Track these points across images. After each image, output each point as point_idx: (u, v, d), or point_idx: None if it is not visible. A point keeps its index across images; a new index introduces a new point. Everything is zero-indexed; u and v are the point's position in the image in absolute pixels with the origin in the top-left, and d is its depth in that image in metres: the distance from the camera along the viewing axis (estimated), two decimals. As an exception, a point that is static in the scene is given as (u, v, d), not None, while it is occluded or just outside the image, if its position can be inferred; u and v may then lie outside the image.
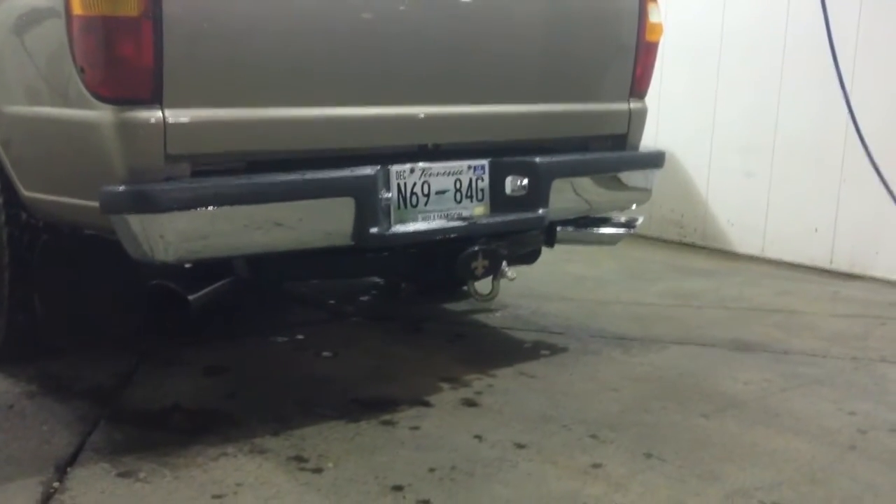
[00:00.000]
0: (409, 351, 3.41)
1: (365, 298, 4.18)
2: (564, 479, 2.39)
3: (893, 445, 2.69)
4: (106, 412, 2.74)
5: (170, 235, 2.27)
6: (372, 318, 3.87)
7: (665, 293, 4.38)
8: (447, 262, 2.96)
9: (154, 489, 2.27)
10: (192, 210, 2.30)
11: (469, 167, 2.88)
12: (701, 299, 4.30)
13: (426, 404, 2.87)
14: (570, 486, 2.36)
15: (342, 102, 2.63)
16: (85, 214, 2.46)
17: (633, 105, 3.33)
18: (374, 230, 2.60)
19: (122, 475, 2.34)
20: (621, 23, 3.23)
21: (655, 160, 3.42)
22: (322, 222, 2.55)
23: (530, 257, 3.44)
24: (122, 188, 2.27)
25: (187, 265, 2.52)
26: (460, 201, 2.86)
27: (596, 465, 2.47)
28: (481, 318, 3.85)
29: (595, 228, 3.43)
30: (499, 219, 2.92)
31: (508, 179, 2.92)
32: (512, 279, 3.13)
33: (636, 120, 3.35)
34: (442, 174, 2.81)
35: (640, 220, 3.53)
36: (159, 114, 2.29)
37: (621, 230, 3.51)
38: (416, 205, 2.75)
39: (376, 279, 4.27)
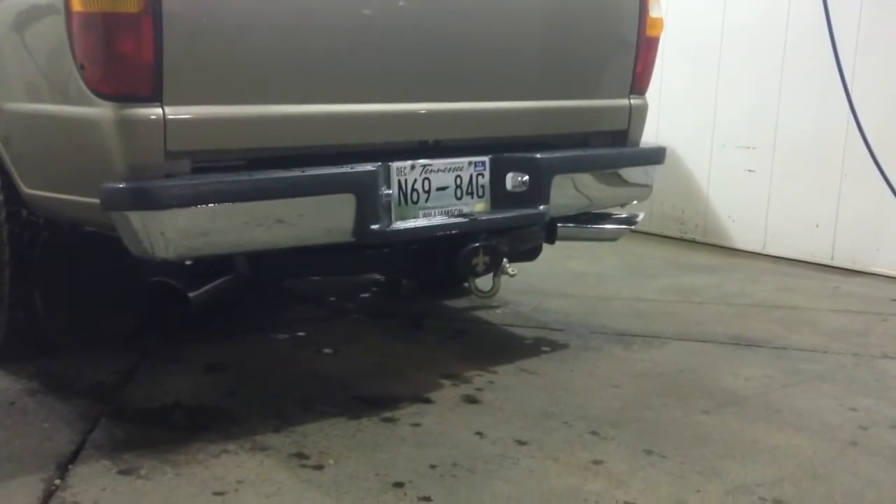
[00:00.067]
0: (409, 348, 3.41)
1: (366, 295, 4.18)
2: (565, 476, 2.39)
3: (894, 441, 2.69)
4: (107, 409, 2.74)
5: (170, 232, 2.27)
6: (373, 315, 3.86)
7: (666, 289, 4.38)
8: (448, 258, 2.96)
9: (155, 486, 2.27)
10: (193, 207, 2.29)
11: (470, 163, 2.87)
12: (702, 295, 4.30)
13: (427, 401, 2.87)
14: (571, 482, 2.36)
15: (342, 99, 2.63)
16: (85, 211, 2.46)
17: (634, 101, 3.32)
18: (374, 227, 2.60)
19: (123, 472, 2.34)
20: (622, 18, 3.23)
21: (656, 156, 3.41)
22: (323, 219, 2.54)
23: (531, 254, 3.43)
24: (122, 185, 2.26)
25: (188, 262, 2.52)
26: (461, 198, 2.86)
27: (597, 462, 2.47)
28: (482, 314, 3.85)
29: (596, 225, 3.43)
30: (499, 215, 2.92)
31: (509, 176, 2.92)
32: (513, 276, 3.13)
33: (637, 116, 3.34)
34: (442, 171, 2.81)
35: (641, 216, 3.53)
36: (159, 110, 2.29)
37: (622, 226, 3.51)
38: (417, 201, 2.75)
39: (377, 276, 4.27)
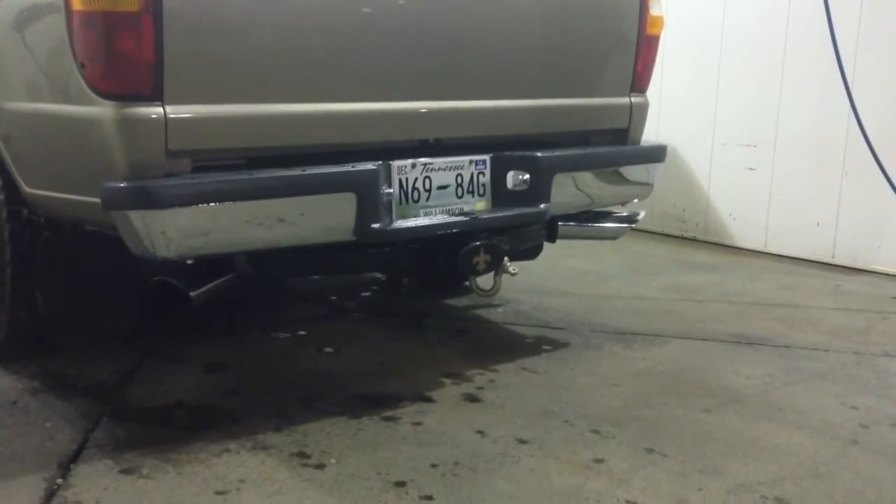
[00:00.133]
0: (410, 346, 3.41)
1: (366, 294, 4.18)
2: (566, 475, 2.39)
3: (895, 440, 2.69)
4: (108, 409, 2.74)
5: (171, 231, 2.27)
6: (373, 314, 3.86)
7: (667, 288, 4.38)
8: (449, 257, 2.96)
9: (157, 485, 2.27)
10: (194, 206, 2.29)
11: (470, 162, 2.87)
12: (703, 294, 4.29)
13: (428, 400, 2.87)
14: (572, 481, 2.36)
15: (343, 98, 2.63)
16: (86, 211, 2.46)
17: (635, 99, 3.32)
18: (375, 225, 2.60)
19: (124, 472, 2.34)
20: (622, 16, 3.23)
21: (657, 154, 3.41)
22: (323, 218, 2.54)
23: (532, 252, 3.43)
24: (123, 184, 2.26)
25: (189, 261, 2.52)
26: (462, 196, 2.86)
27: (598, 461, 2.47)
28: (483, 313, 3.85)
29: (597, 223, 3.43)
30: (500, 214, 2.92)
31: (510, 174, 2.91)
32: (513, 274, 3.13)
33: (637, 114, 3.34)
34: (443, 169, 2.81)
35: (642, 214, 3.53)
36: (160, 109, 2.29)
37: (623, 225, 3.51)
38: (418, 200, 2.75)
39: (378, 275, 4.27)
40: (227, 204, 2.34)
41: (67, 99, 2.40)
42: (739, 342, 3.55)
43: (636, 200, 3.41)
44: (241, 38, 2.41)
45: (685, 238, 5.61)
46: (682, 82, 5.45)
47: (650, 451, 2.55)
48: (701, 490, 2.33)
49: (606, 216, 3.45)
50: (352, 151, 2.67)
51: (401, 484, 2.31)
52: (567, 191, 3.06)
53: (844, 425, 2.77)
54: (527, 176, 2.92)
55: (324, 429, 2.63)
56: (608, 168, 3.23)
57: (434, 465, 2.42)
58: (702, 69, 5.42)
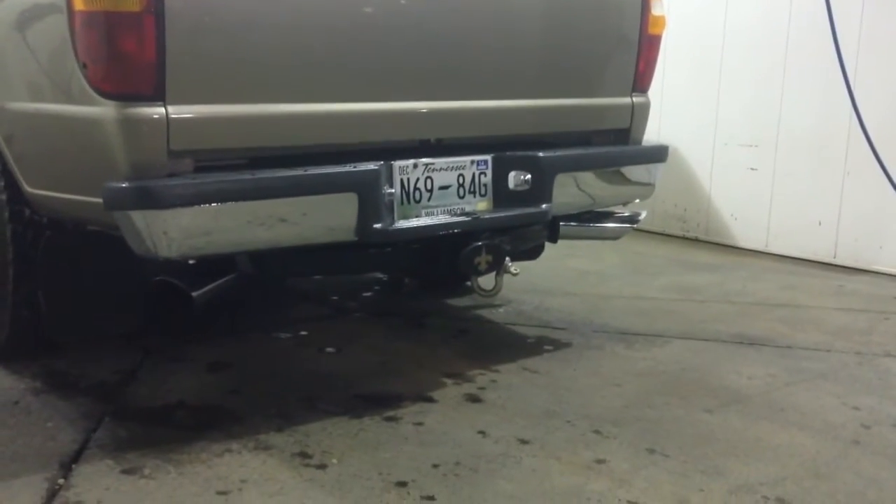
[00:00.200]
0: (412, 346, 3.41)
1: (368, 294, 4.18)
2: (568, 475, 2.39)
3: (898, 440, 2.69)
4: (110, 409, 2.74)
5: (173, 231, 2.27)
6: (375, 314, 3.87)
7: (668, 288, 4.37)
8: (450, 257, 2.96)
9: (158, 485, 2.28)
10: (196, 206, 2.29)
11: (472, 162, 2.87)
12: (704, 294, 4.29)
13: (429, 400, 2.87)
14: (574, 481, 2.36)
15: (345, 98, 2.63)
16: (88, 211, 2.46)
17: (636, 99, 3.32)
18: (377, 226, 2.60)
19: (126, 472, 2.34)
20: (624, 16, 3.23)
21: (658, 155, 3.41)
22: (325, 218, 2.54)
23: (533, 252, 3.43)
24: (125, 184, 2.26)
25: (191, 261, 2.52)
26: (463, 196, 2.85)
27: (599, 461, 2.47)
28: (484, 313, 3.85)
29: (598, 223, 3.43)
30: (502, 214, 2.92)
31: (511, 174, 2.91)
32: (515, 274, 3.13)
33: (639, 114, 3.34)
34: (445, 169, 2.81)
35: (643, 214, 3.53)
36: (162, 109, 2.29)
37: (624, 225, 3.51)
38: (420, 200, 2.75)
39: (379, 275, 4.27)
40: (229, 204, 2.34)
41: (69, 99, 2.40)
42: (741, 342, 3.55)
43: (638, 200, 3.41)
44: (242, 38, 2.41)
45: (686, 238, 5.61)
46: (684, 82, 5.45)
47: (651, 451, 2.55)
48: (702, 490, 2.33)
49: (608, 216, 3.45)
50: (353, 151, 2.67)
51: (402, 484, 2.31)
52: (569, 191, 3.06)
53: (846, 426, 2.77)
54: (528, 176, 2.92)
55: (325, 429, 2.63)
56: (610, 168, 3.23)
57: (435, 466, 2.42)
58: (703, 69, 5.42)
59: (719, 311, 4.00)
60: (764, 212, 5.21)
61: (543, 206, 2.96)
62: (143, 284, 2.88)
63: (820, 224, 4.96)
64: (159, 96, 2.29)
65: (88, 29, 2.27)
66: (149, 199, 2.25)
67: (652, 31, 3.28)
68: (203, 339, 3.38)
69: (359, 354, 3.31)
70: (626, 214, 3.50)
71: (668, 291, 4.31)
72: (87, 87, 2.30)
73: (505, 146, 2.98)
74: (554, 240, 3.34)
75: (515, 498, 2.27)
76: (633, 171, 3.29)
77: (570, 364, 3.24)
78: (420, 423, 2.68)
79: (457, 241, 2.94)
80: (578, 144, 3.23)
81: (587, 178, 3.14)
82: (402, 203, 2.71)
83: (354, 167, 2.57)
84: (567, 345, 3.46)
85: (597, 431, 2.66)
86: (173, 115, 2.30)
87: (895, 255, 4.72)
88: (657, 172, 3.38)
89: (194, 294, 2.61)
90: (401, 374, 3.10)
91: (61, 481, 2.28)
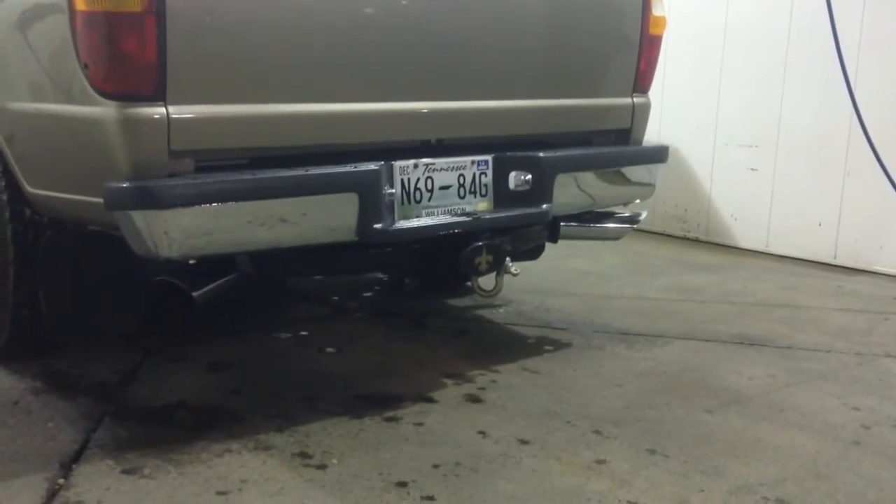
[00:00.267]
0: (412, 347, 3.41)
1: (368, 294, 4.18)
2: (568, 475, 2.39)
3: (898, 440, 2.69)
4: (110, 409, 2.74)
5: (174, 232, 2.27)
6: (375, 314, 3.87)
7: (669, 288, 4.38)
8: (451, 257, 2.96)
9: (159, 485, 2.28)
10: (197, 206, 2.29)
11: (472, 162, 2.87)
12: (705, 294, 4.29)
13: (430, 400, 2.87)
14: (574, 481, 2.36)
15: (345, 98, 2.63)
16: (89, 211, 2.46)
17: (637, 99, 3.32)
18: (377, 226, 2.60)
19: (126, 472, 2.34)
20: (624, 16, 3.23)
21: (659, 155, 3.41)
22: (326, 218, 2.54)
23: (534, 253, 3.43)
24: (125, 184, 2.26)
25: (191, 261, 2.52)
26: (464, 196, 2.86)
27: (600, 461, 2.47)
28: (485, 313, 3.85)
29: (598, 223, 3.43)
30: (502, 214, 2.92)
31: (512, 174, 2.91)
32: (515, 275, 3.13)
33: (640, 114, 3.34)
34: (445, 169, 2.81)
35: (644, 215, 3.53)
36: (163, 110, 2.29)
37: (625, 225, 3.51)
38: (420, 200, 2.75)
39: (380, 275, 4.27)
40: (230, 204, 2.35)
41: (70, 99, 2.40)
42: (741, 343, 3.55)
43: (638, 201, 3.41)
44: (243, 39, 2.41)
45: (687, 238, 5.61)
46: (684, 82, 5.45)
47: (652, 451, 2.55)
48: (702, 491, 2.33)
49: (608, 216, 3.45)
50: (354, 151, 2.67)
51: (402, 484, 2.31)
52: (569, 191, 3.06)
53: (846, 426, 2.77)
54: (529, 176, 2.92)
55: (325, 429, 2.63)
56: (610, 168, 3.23)
57: (436, 466, 2.42)
58: (704, 69, 5.42)
59: (720, 312, 4.00)
60: (764, 212, 5.21)
61: (544, 206, 2.96)
62: (143, 284, 2.88)
63: (820, 224, 4.96)
64: (160, 96, 2.29)
65: (90, 29, 2.27)
66: (149, 199, 2.25)
67: (653, 31, 3.28)
68: (203, 339, 3.38)
69: (359, 354, 3.31)
70: (627, 215, 3.51)
71: (668, 292, 4.31)
72: (88, 87, 2.31)
73: (505, 146, 2.98)
74: (554, 240, 3.34)
75: (515, 498, 2.27)
76: (634, 172, 3.29)
77: (571, 364, 3.24)
78: (420, 424, 2.68)
79: (457, 242, 2.94)
80: (579, 145, 3.23)
81: (588, 178, 3.14)
82: (402, 203, 2.71)
83: (355, 167, 2.57)
84: (567, 345, 3.46)
85: (597, 432, 2.66)
86: (174, 116, 2.30)
87: (895, 255, 4.72)
88: (657, 173, 3.38)
89: (195, 294, 2.61)
90: (401, 375, 3.10)
91: (61, 481, 2.28)
